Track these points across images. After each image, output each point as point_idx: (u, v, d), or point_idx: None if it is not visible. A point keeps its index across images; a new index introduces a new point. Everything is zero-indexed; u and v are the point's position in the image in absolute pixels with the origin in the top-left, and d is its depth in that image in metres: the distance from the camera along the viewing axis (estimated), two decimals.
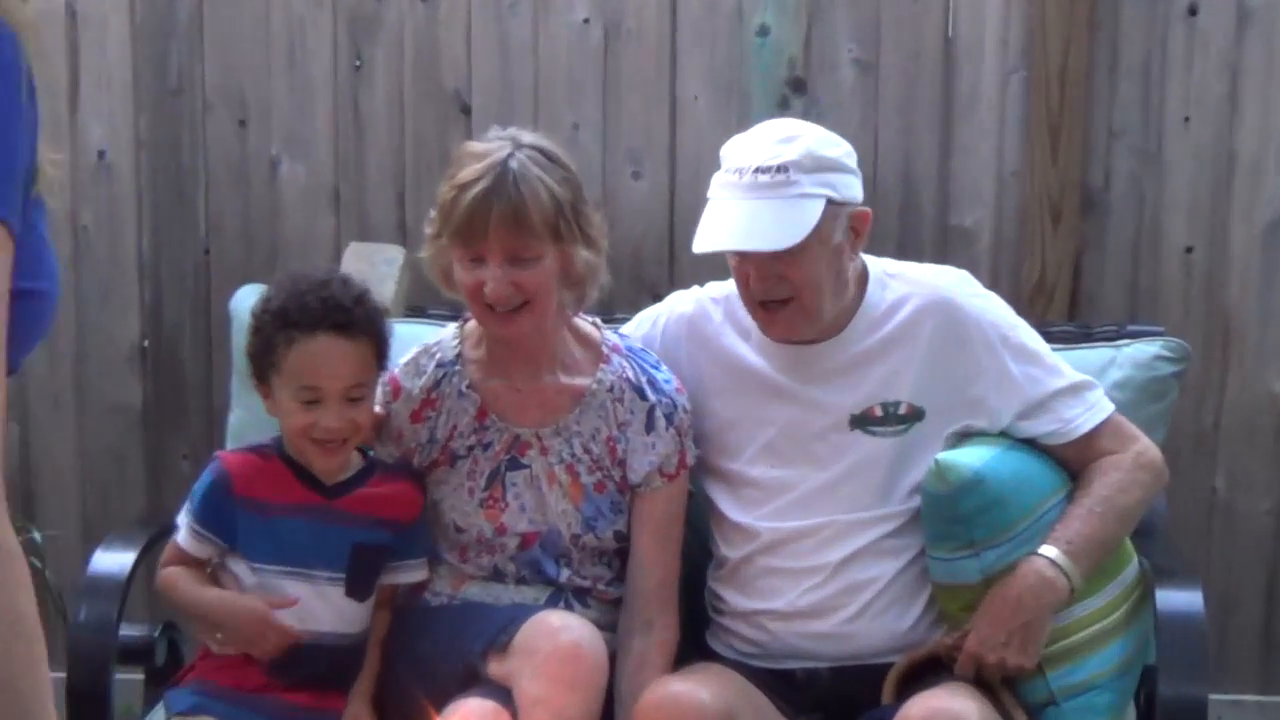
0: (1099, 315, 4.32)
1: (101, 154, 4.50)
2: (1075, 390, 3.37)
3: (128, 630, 3.51)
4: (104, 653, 3.40)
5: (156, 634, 3.65)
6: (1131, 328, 3.93)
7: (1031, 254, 4.34)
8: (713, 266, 3.48)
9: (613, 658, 3.23)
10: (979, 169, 4.38)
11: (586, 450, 3.34)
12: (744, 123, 4.21)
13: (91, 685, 3.38)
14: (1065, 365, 3.40)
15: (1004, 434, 3.35)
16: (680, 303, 3.52)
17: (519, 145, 3.19)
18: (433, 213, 3.29)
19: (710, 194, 3.27)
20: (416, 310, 4.13)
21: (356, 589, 3.24)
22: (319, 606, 3.23)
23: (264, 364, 3.17)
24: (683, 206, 4.40)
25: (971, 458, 3.25)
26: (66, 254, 4.51)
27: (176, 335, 4.55)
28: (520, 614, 3.22)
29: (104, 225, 4.53)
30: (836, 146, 3.26)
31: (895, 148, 4.35)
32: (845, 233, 3.25)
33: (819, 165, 3.20)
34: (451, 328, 3.44)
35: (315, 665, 3.24)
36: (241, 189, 4.50)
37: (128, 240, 4.53)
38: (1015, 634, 3.18)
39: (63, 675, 3.39)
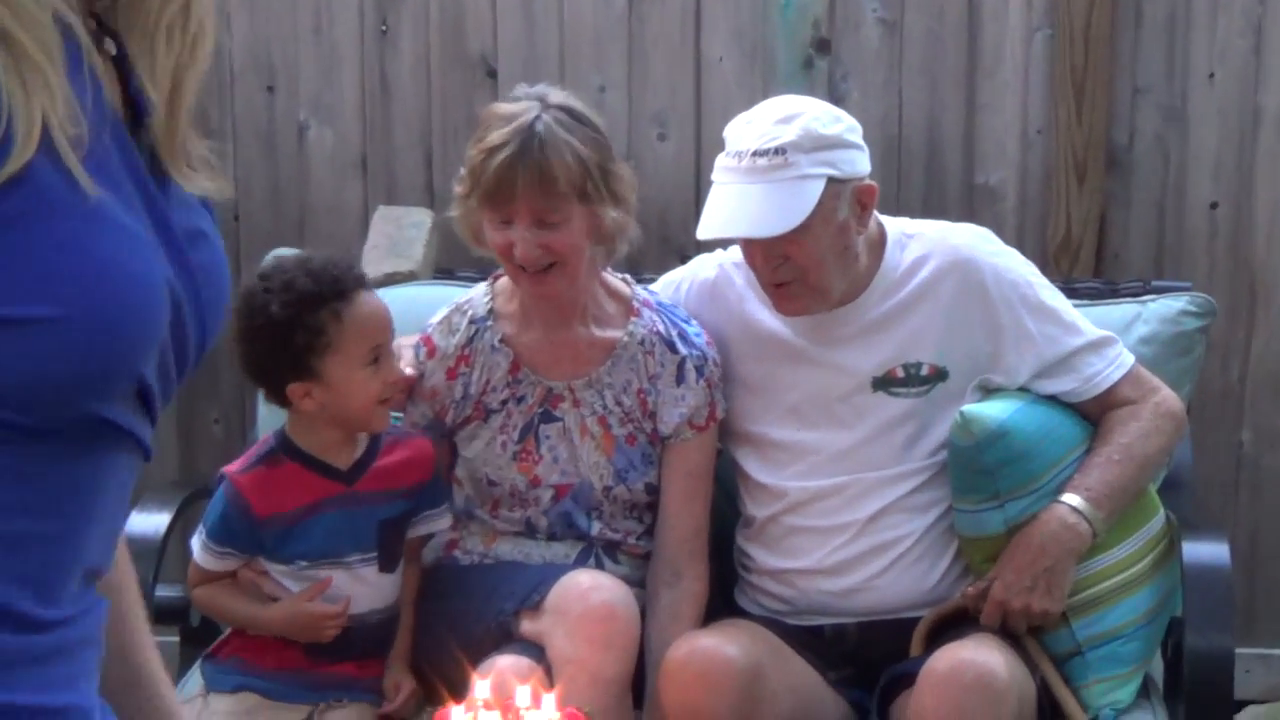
0: (1124, 272, 4.31)
1: None
2: (1095, 347, 3.37)
3: (163, 591, 3.53)
4: None
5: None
6: (1157, 283, 3.92)
7: (1056, 211, 4.34)
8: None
9: (644, 610, 3.26)
10: (1004, 127, 4.38)
11: (618, 402, 3.35)
12: (769, 83, 4.27)
13: None
14: (1085, 321, 3.39)
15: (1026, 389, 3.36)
16: (703, 268, 3.52)
17: (546, 106, 3.19)
18: (462, 171, 3.29)
19: (713, 177, 3.27)
20: (445, 273, 4.15)
21: (388, 563, 3.23)
22: (356, 589, 3.20)
23: (309, 356, 3.05)
24: (709, 168, 4.32)
25: (996, 410, 3.26)
26: None
27: None
28: (551, 574, 3.25)
29: None
30: (837, 123, 3.24)
31: (920, 107, 4.35)
32: (850, 208, 3.23)
33: (818, 144, 3.18)
34: (481, 285, 3.44)
35: (357, 645, 3.22)
36: (270, 154, 4.52)
37: None
38: (1040, 579, 3.20)
39: None
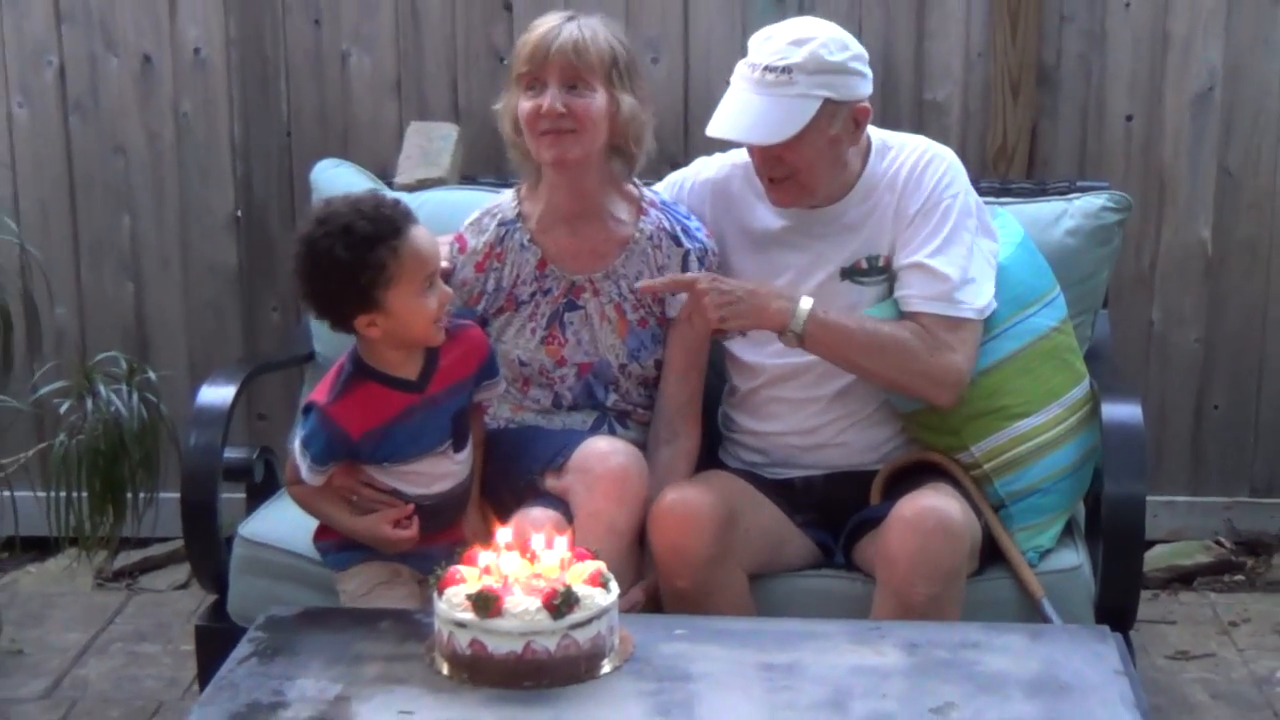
0: (1052, 174, 4.31)
1: (197, 51, 4.46)
2: (932, 275, 3.20)
3: (230, 453, 3.51)
4: (211, 473, 3.39)
5: (255, 456, 3.67)
6: (1080, 184, 3.90)
7: (995, 123, 4.33)
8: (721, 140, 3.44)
9: None
10: (949, 50, 4.35)
11: (632, 291, 3.32)
12: (748, 14, 4.28)
13: (201, 500, 3.38)
14: (958, 262, 3.20)
15: None
16: (705, 167, 3.46)
17: (583, 16, 3.24)
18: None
19: (731, 79, 3.22)
20: (469, 179, 4.15)
21: (461, 443, 3.11)
22: (438, 471, 3.09)
23: (372, 291, 2.90)
24: (696, 87, 4.36)
25: (892, 310, 3.24)
26: (170, 138, 4.51)
27: (265, 205, 4.53)
28: (573, 439, 3.22)
29: (201, 113, 4.50)
30: (844, 50, 3.17)
31: (877, 33, 4.30)
32: (845, 125, 3.18)
33: (821, 68, 3.12)
34: (509, 193, 3.40)
35: (446, 516, 3.12)
36: (317, 79, 4.46)
37: (221, 125, 4.51)
38: (731, 300, 3.11)
39: (177, 495, 3.41)
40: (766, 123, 3.14)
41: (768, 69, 3.13)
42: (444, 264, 3.22)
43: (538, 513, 3.11)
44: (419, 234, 2.95)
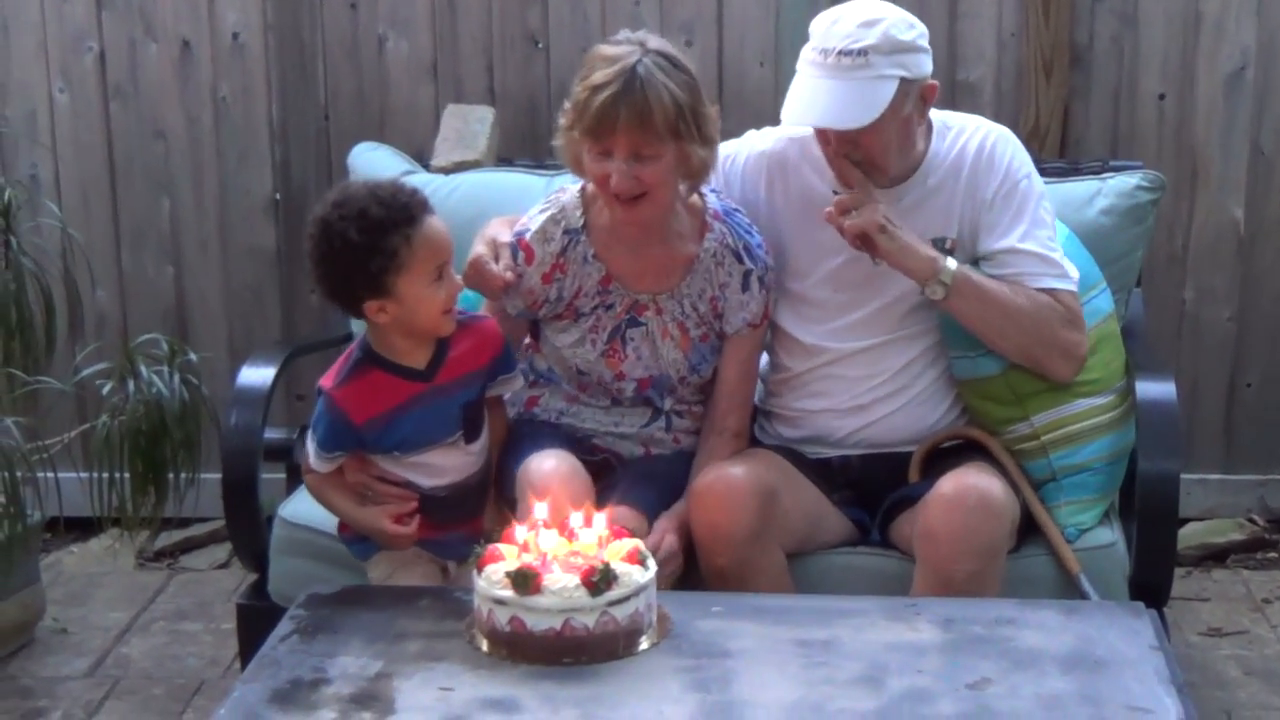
0: (1085, 154, 4.29)
1: (236, 36, 4.46)
2: (1037, 257, 3.20)
3: (270, 434, 3.51)
4: (251, 452, 3.40)
5: (294, 436, 3.65)
6: (1114, 163, 3.88)
7: (1028, 103, 4.31)
8: (757, 119, 3.42)
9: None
10: (982, 31, 4.33)
11: (694, 308, 3.26)
12: None
13: (242, 480, 3.40)
14: (1048, 242, 3.21)
15: None
16: (759, 140, 3.39)
17: (646, 51, 3.05)
18: (567, 105, 3.12)
19: (799, 67, 3.15)
20: (505, 161, 4.13)
21: (472, 434, 3.10)
22: (450, 462, 3.07)
23: (383, 276, 2.88)
24: (729, 70, 4.36)
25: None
26: (209, 122, 4.52)
27: (303, 188, 4.53)
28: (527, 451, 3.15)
29: (239, 97, 4.51)
30: (911, 29, 3.12)
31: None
32: (915, 104, 3.14)
33: (895, 48, 3.07)
34: (572, 194, 3.28)
35: (461, 506, 3.11)
36: (354, 63, 4.46)
37: (260, 109, 4.51)
38: (889, 226, 3.10)
39: (218, 475, 3.42)
40: (847, 107, 3.07)
41: (842, 53, 3.06)
42: (508, 274, 3.20)
43: (549, 463, 3.08)
44: (433, 224, 2.93)
